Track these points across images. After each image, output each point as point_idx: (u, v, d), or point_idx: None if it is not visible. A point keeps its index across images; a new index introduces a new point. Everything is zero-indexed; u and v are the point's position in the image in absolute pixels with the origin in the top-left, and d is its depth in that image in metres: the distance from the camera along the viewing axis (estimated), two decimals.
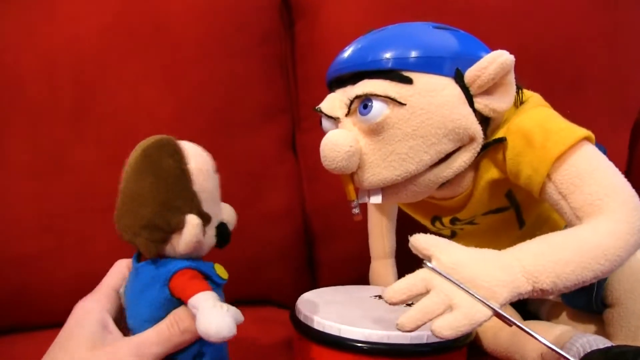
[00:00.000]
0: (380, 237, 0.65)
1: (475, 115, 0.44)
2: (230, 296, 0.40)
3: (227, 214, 0.41)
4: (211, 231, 0.39)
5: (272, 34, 0.72)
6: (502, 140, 0.45)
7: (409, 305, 0.51)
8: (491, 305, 0.36)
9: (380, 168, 0.44)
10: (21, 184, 0.59)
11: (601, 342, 0.42)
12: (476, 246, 0.54)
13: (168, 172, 0.37)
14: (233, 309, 0.35)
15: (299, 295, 0.54)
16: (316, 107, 0.48)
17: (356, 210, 0.47)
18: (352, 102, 0.45)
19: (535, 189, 0.43)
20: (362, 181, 0.45)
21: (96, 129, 0.61)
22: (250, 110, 0.69)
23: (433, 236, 0.39)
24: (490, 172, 0.47)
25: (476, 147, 0.45)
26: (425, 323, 0.36)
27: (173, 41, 0.65)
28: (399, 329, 0.37)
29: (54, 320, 0.52)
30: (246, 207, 0.67)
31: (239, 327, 0.35)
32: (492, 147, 0.46)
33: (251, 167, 0.69)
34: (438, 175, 0.46)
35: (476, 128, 0.44)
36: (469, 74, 0.43)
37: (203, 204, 0.38)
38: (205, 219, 0.38)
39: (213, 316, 0.33)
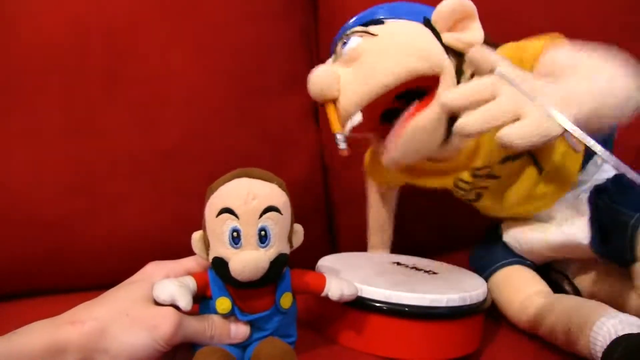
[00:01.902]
0: (380, 230, 0.66)
1: (449, 53, 0.48)
2: None
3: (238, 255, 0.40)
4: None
5: (296, 4, 0.72)
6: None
7: (427, 272, 0.53)
8: (563, 122, 0.33)
9: (358, 85, 0.47)
10: (54, 146, 0.60)
11: (636, 326, 0.41)
12: (502, 198, 0.56)
13: None
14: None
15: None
16: None
17: (342, 145, 0.48)
18: (337, 45, 0.50)
19: None
20: (343, 102, 0.47)
21: (128, 93, 0.62)
22: (274, 78, 0.69)
23: (491, 51, 0.42)
24: None
25: (448, 76, 0.47)
26: (488, 129, 0.35)
27: (202, 6, 0.65)
28: (459, 132, 0.36)
29: (87, 283, 0.56)
30: None
31: None
32: None
33: (274, 135, 0.70)
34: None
35: (443, 56, 0.47)
36: (433, 15, 0.49)
37: (208, 235, 0.42)
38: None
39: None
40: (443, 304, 0.46)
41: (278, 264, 0.41)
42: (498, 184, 0.54)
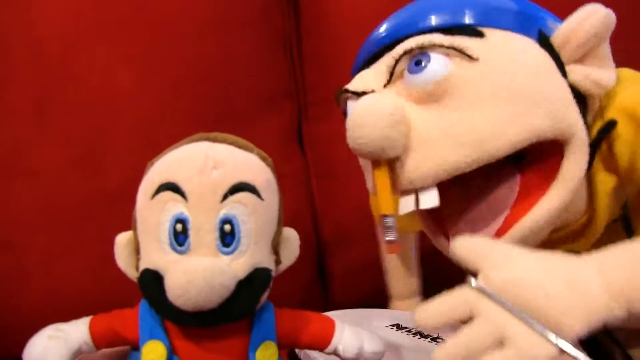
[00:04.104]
0: (403, 276, 0.55)
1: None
2: None
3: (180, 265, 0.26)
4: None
5: (273, 7, 0.66)
6: (613, 126, 0.34)
7: (434, 339, 0.45)
8: (556, 342, 0.27)
9: (441, 147, 0.31)
10: None
11: None
12: None
13: None
14: None
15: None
16: (340, 90, 0.37)
17: (392, 236, 0.33)
18: (397, 62, 0.33)
19: None
20: (410, 171, 0.32)
21: (62, 125, 0.56)
22: (248, 96, 0.63)
23: (481, 240, 0.30)
24: (607, 180, 0.36)
25: (581, 144, 0.33)
26: None
27: (155, 16, 0.59)
28: None
29: (17, 354, 0.48)
30: None
31: None
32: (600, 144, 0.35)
33: None
34: None
35: (574, 114, 0.33)
36: (560, 33, 0.34)
37: (138, 233, 0.30)
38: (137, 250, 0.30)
39: None
40: None
41: (253, 285, 0.27)
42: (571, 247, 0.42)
